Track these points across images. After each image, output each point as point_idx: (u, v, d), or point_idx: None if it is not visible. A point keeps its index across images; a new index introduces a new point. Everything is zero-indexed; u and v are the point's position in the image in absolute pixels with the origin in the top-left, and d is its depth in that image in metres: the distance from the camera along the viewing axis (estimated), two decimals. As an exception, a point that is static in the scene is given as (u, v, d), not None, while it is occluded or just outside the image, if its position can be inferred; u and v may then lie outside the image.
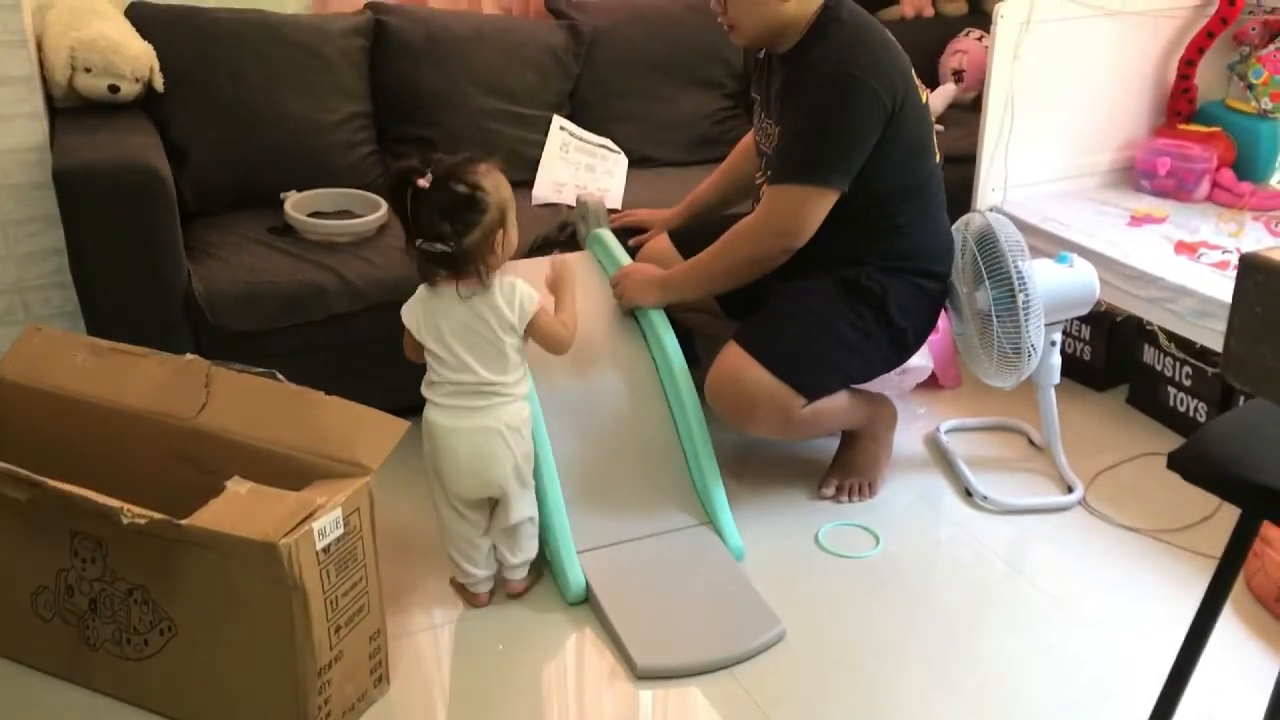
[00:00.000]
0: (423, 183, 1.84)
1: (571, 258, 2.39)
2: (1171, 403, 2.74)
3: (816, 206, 2.19)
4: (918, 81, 2.29)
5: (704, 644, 2.00)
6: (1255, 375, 1.15)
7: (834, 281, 2.29)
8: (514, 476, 2.02)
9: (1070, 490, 2.49)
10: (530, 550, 2.12)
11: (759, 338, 2.25)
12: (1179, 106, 3.19)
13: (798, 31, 2.22)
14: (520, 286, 1.97)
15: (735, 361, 2.24)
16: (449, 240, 1.86)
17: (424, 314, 1.98)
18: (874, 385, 2.72)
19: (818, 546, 2.32)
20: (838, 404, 2.36)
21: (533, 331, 2.00)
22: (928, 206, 2.36)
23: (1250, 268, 1.13)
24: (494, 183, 1.90)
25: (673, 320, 2.41)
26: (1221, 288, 2.46)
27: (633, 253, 2.59)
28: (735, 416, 2.29)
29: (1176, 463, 1.38)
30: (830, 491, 2.47)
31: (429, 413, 2.01)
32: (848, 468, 2.50)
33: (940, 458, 2.66)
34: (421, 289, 1.99)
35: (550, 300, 2.14)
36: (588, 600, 2.12)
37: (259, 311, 2.43)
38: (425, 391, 2.03)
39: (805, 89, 2.20)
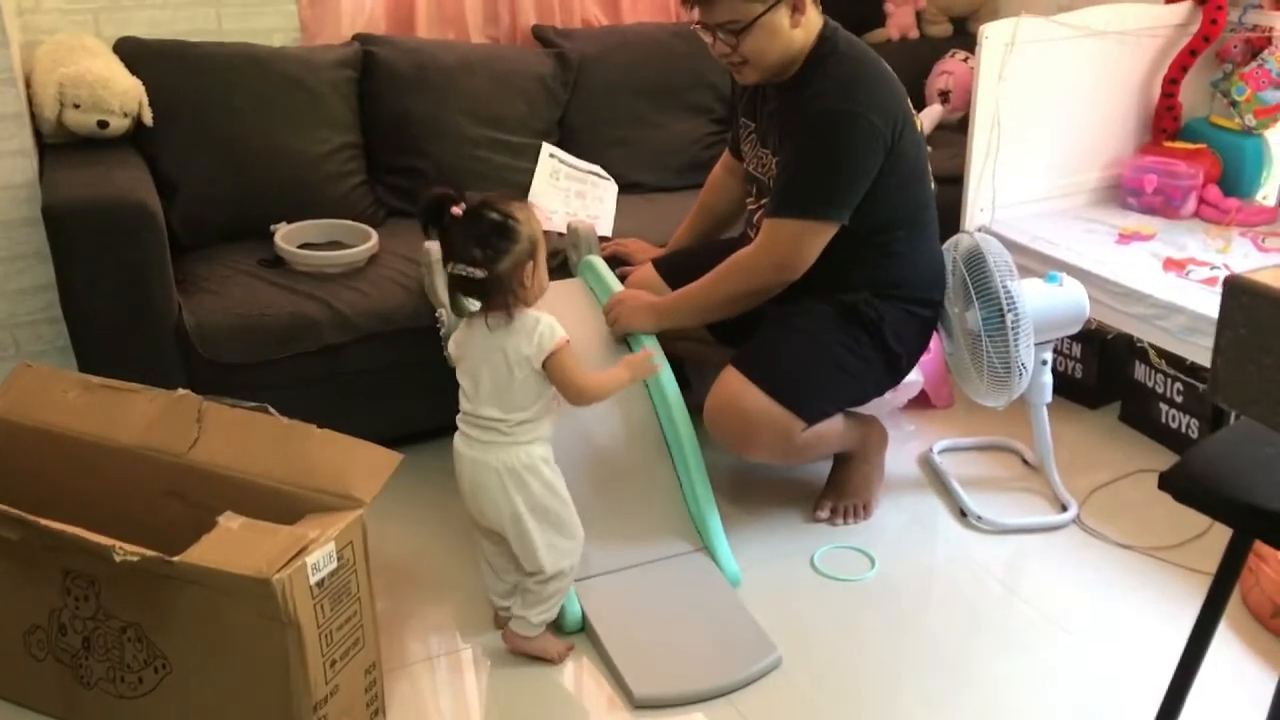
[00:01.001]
0: (457, 210, 1.87)
1: (570, 284, 2.37)
2: (1164, 419, 2.75)
3: (816, 240, 2.20)
4: (911, 109, 2.30)
5: (701, 672, 2.00)
6: (1243, 397, 1.16)
7: (831, 306, 2.30)
8: (511, 522, 1.96)
9: (1064, 509, 2.49)
10: (537, 611, 2.02)
11: (758, 362, 2.25)
12: (1164, 124, 3.21)
13: (799, 61, 2.24)
14: (545, 320, 1.94)
15: (735, 386, 2.24)
16: (480, 266, 1.87)
17: (457, 345, 2.00)
18: (866, 404, 2.73)
19: (813, 570, 2.32)
20: (834, 427, 2.36)
21: (549, 369, 1.94)
22: (923, 233, 2.38)
23: (1235, 290, 1.14)
24: (526, 215, 1.92)
25: (664, 347, 2.41)
26: (1210, 304, 2.47)
27: (620, 281, 2.60)
28: (735, 442, 2.28)
29: (1168, 483, 1.38)
30: (825, 514, 2.47)
31: (456, 435, 2.04)
32: (842, 489, 2.50)
33: (934, 478, 2.66)
34: (461, 321, 2.00)
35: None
36: (584, 629, 2.11)
37: (250, 344, 2.43)
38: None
39: (806, 123, 2.20)
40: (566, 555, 2.01)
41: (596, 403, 2.06)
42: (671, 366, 2.38)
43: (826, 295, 2.29)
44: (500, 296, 1.91)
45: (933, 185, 2.39)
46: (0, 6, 2.43)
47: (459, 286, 1.92)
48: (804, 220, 2.20)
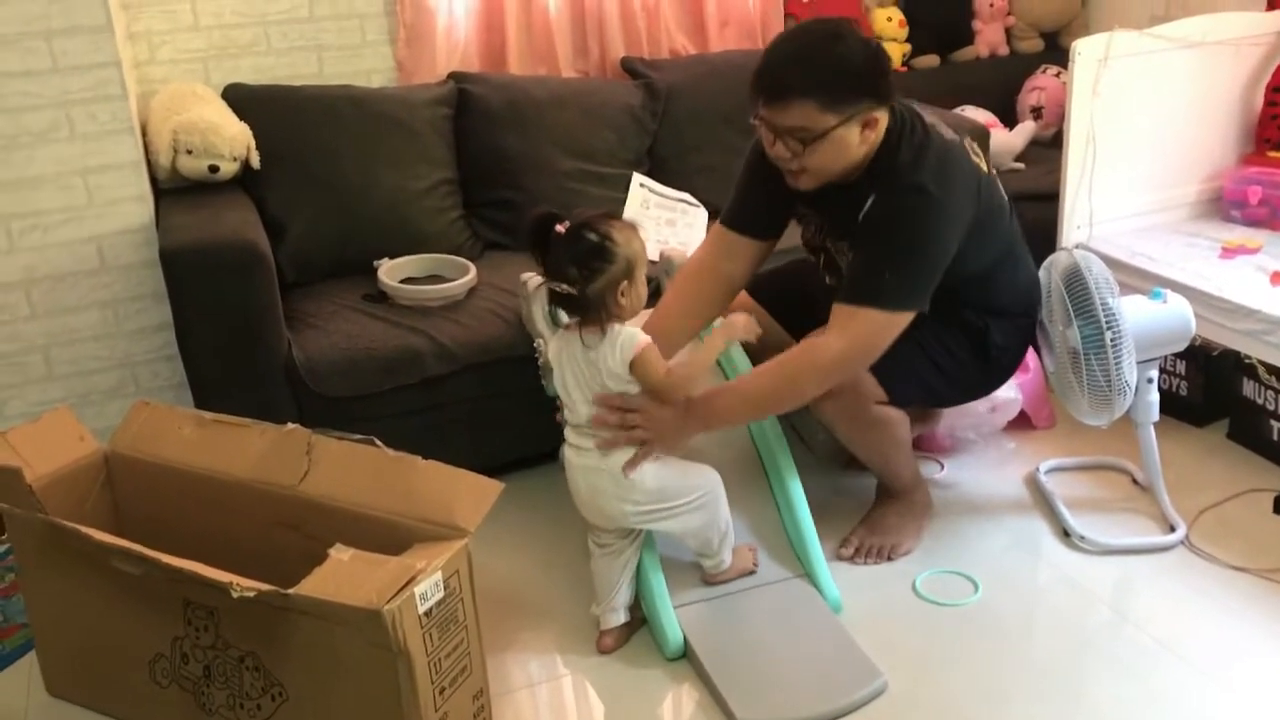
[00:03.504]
0: (560, 228, 1.94)
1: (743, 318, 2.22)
2: (1274, 436, 2.67)
3: (894, 330, 2.12)
4: (981, 158, 2.24)
5: (805, 697, 1.99)
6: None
7: (940, 310, 2.23)
8: (636, 518, 2.08)
9: (1172, 529, 2.44)
10: (714, 561, 2.19)
11: None
12: (1268, 134, 3.13)
13: (862, 165, 2.14)
14: (625, 331, 1.99)
15: None
16: (574, 284, 1.93)
17: (554, 356, 2.08)
18: (966, 420, 2.70)
19: (915, 595, 2.30)
20: (902, 435, 2.34)
21: (636, 375, 2.01)
22: (1016, 260, 2.37)
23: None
24: (626, 237, 1.97)
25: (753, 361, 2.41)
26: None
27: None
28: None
29: (1281, 506, 1.35)
30: (849, 552, 2.42)
31: (564, 446, 2.13)
32: (875, 526, 2.45)
33: (1036, 499, 2.62)
34: (558, 332, 2.09)
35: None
36: (686, 656, 2.12)
37: (357, 377, 2.50)
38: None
39: (890, 218, 2.11)
40: (706, 508, 2.11)
41: (696, 388, 2.09)
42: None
43: (938, 306, 2.22)
44: (594, 314, 1.98)
45: (1008, 206, 2.33)
46: (121, 61, 2.55)
47: (556, 301, 2.00)
48: (886, 311, 2.09)
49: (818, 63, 2.04)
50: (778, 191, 2.25)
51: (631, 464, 2.04)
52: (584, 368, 2.03)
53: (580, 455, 2.07)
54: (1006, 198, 2.34)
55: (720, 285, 2.38)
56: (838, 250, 2.30)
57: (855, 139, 2.08)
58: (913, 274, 2.11)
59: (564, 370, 2.06)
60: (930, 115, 2.24)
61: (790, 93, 2.03)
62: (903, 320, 2.12)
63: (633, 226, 2.02)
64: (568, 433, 2.11)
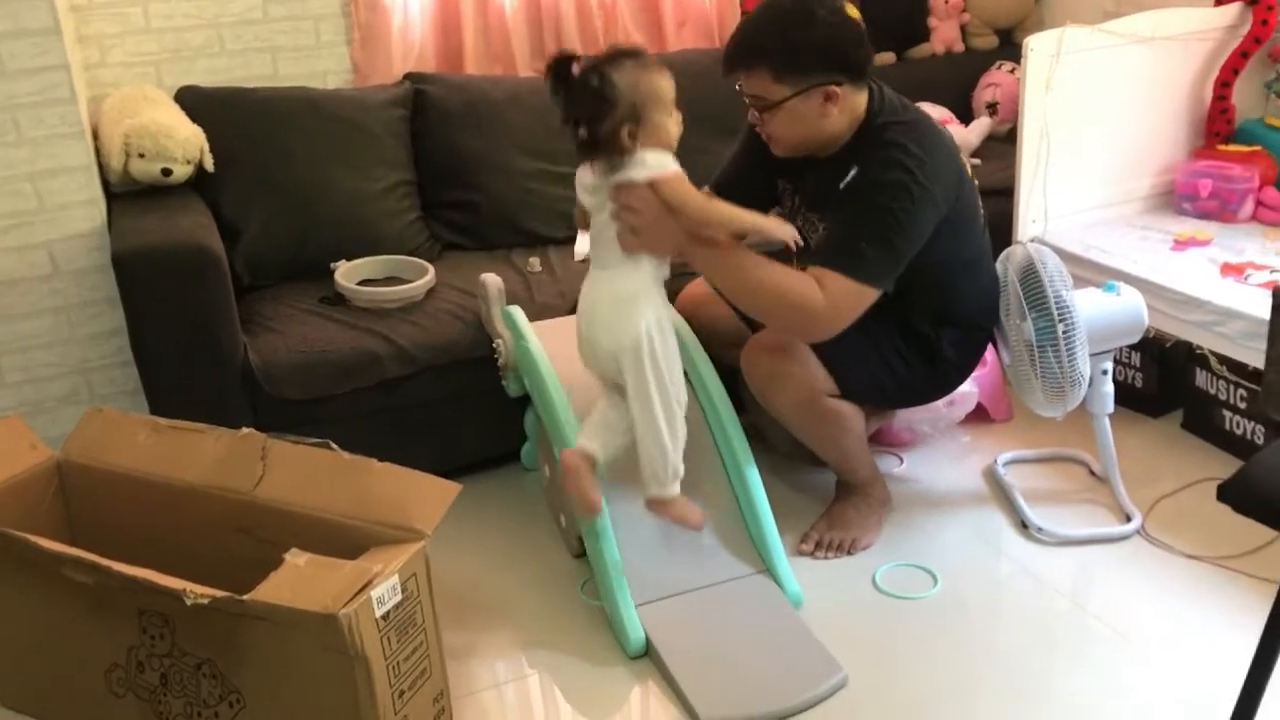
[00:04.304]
0: (576, 69, 1.96)
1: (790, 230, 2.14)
2: (1227, 426, 2.71)
3: (862, 302, 2.14)
4: (964, 162, 2.29)
5: (767, 694, 2.00)
6: (1297, 407, 1.15)
7: (894, 310, 2.28)
8: (623, 355, 2.07)
9: (1128, 520, 2.47)
10: (647, 463, 2.12)
11: None
12: (1217, 127, 3.18)
13: (841, 140, 2.20)
14: (654, 155, 2.00)
15: (783, 337, 2.25)
16: (581, 128, 1.96)
17: (580, 186, 2.10)
18: (923, 414, 2.72)
19: (875, 589, 2.31)
20: (856, 428, 2.36)
21: (662, 195, 2.00)
22: (979, 270, 2.39)
23: (1284, 300, 1.13)
24: (631, 80, 1.95)
25: (717, 364, 2.42)
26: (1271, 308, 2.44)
27: (673, 296, 2.61)
28: (764, 386, 2.29)
29: (1227, 494, 1.37)
30: (810, 547, 2.43)
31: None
32: (835, 521, 2.47)
33: (995, 492, 2.64)
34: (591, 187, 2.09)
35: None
36: (648, 654, 2.13)
37: (314, 380, 2.48)
38: None
39: (872, 193, 2.14)
40: (671, 413, 2.10)
41: (716, 224, 2.06)
42: (726, 388, 2.39)
43: (891, 305, 2.26)
44: (604, 155, 2.00)
45: (982, 217, 2.39)
46: (70, 64, 2.52)
47: (575, 141, 2.01)
48: (858, 283, 2.11)
49: (774, 35, 2.11)
50: (765, 163, 2.31)
51: (622, 239, 2.05)
52: (594, 193, 2.05)
53: (590, 287, 2.12)
54: (981, 209, 2.37)
55: None
56: (808, 223, 2.32)
57: (814, 111, 2.12)
58: (888, 249, 2.12)
59: (595, 220, 2.08)
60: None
61: (744, 62, 2.12)
62: (870, 295, 2.13)
63: (646, 66, 1.98)
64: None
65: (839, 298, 2.11)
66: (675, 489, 2.15)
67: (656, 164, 2.00)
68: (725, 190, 2.36)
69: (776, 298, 2.12)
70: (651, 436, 2.10)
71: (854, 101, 2.16)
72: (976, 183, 2.38)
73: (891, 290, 2.17)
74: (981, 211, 2.38)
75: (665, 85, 2.00)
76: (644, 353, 2.06)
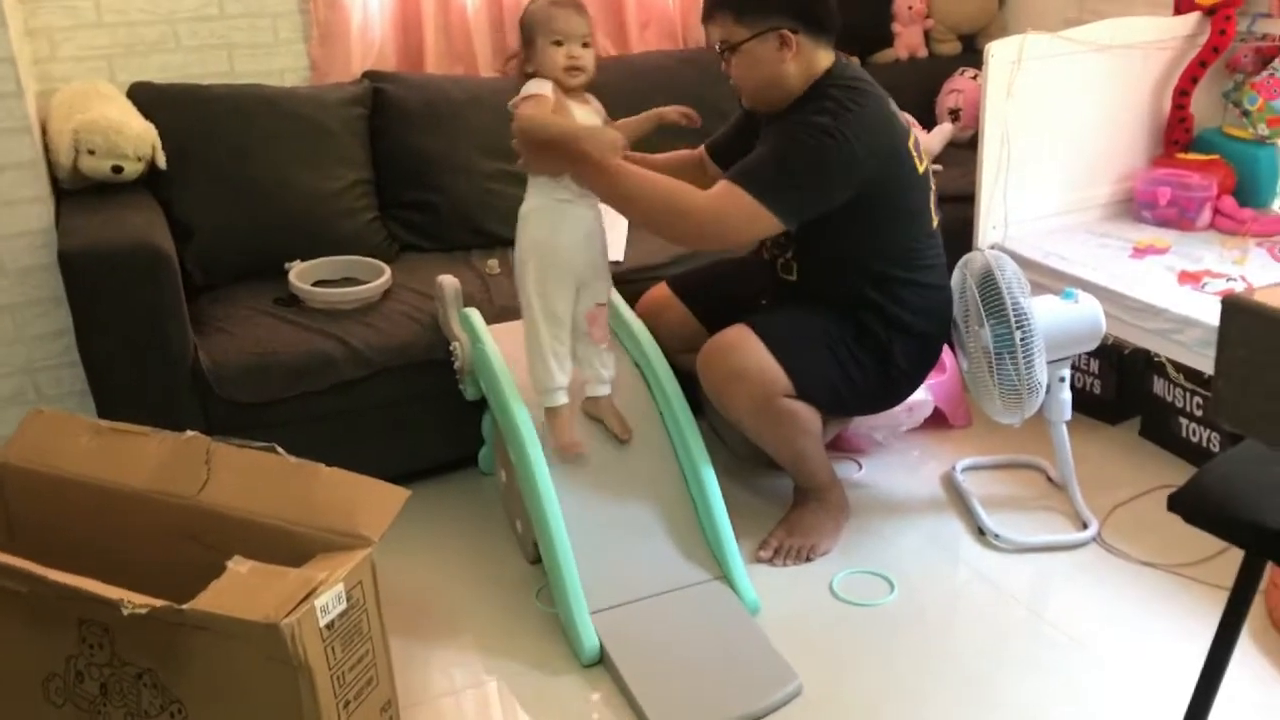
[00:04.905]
0: None
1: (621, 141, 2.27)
2: (1184, 434, 2.72)
3: (756, 224, 2.20)
4: (916, 153, 2.31)
5: (721, 702, 1.98)
6: (1247, 418, 1.14)
7: (851, 319, 2.33)
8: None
9: (1085, 527, 2.47)
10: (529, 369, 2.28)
11: (765, 324, 2.30)
12: (1176, 136, 3.20)
13: (796, 93, 2.27)
14: (533, 82, 2.19)
15: (737, 334, 2.29)
16: None
17: None
18: (881, 419, 2.71)
19: (833, 596, 2.30)
20: (812, 429, 2.35)
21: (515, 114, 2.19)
22: (925, 271, 2.38)
23: (1233, 310, 1.13)
24: (529, 10, 2.19)
25: (674, 367, 2.41)
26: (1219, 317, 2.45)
27: (633, 301, 2.60)
28: (720, 386, 2.30)
29: (1178, 504, 1.37)
30: (768, 554, 2.42)
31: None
32: (794, 527, 2.46)
33: (953, 498, 2.64)
34: None
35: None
36: (602, 662, 2.10)
37: (266, 383, 2.44)
38: None
39: (793, 126, 2.22)
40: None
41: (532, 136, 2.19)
42: (684, 391, 2.38)
43: (845, 309, 2.33)
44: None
45: (934, 223, 2.39)
46: (15, 57, 2.47)
47: None
48: (756, 200, 2.17)
49: None
50: (746, 127, 2.44)
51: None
52: None
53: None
54: (932, 214, 2.38)
55: (686, 173, 2.45)
56: None
57: (771, 56, 2.24)
58: (790, 177, 2.18)
59: None
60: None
61: (713, 5, 2.29)
62: (764, 217, 2.18)
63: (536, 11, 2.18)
64: None
65: (723, 199, 2.19)
66: (552, 399, 2.25)
67: (526, 90, 2.17)
68: (715, 151, 2.58)
69: (654, 199, 2.22)
70: (527, 344, 2.27)
71: (811, 55, 2.26)
72: (933, 185, 2.38)
73: (793, 228, 2.23)
74: (934, 215, 2.38)
75: (552, 13, 2.17)
76: (518, 267, 2.25)
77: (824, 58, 2.27)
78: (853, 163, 2.18)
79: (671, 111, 2.32)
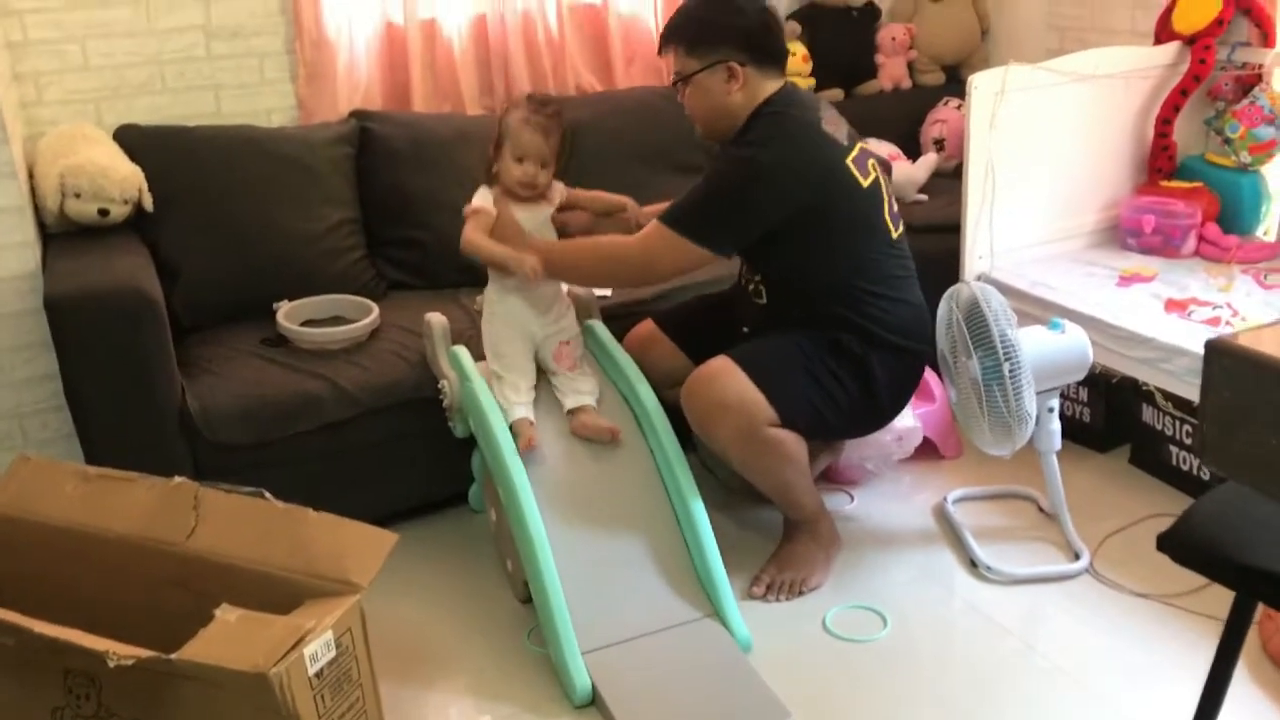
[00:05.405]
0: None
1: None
2: (1174, 461, 2.72)
3: (686, 259, 2.31)
4: (855, 169, 2.32)
5: (713, 741, 1.97)
6: (1231, 462, 1.14)
7: (825, 338, 2.34)
8: None
9: (1077, 557, 2.46)
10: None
11: (746, 354, 2.32)
12: (1160, 164, 3.21)
13: (740, 123, 2.35)
14: (481, 190, 2.42)
15: (719, 365, 2.31)
16: None
17: None
18: (871, 450, 2.71)
19: (825, 632, 2.29)
20: (799, 458, 2.34)
21: None
22: (890, 283, 2.38)
23: (1216, 353, 1.13)
24: (503, 119, 2.40)
25: (663, 402, 2.41)
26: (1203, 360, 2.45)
27: (620, 336, 2.60)
28: (704, 417, 2.31)
29: (1166, 545, 1.37)
30: (760, 590, 2.41)
31: None
32: (785, 562, 2.45)
33: (945, 530, 2.63)
34: None
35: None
36: (594, 703, 2.09)
37: (254, 424, 2.43)
38: None
39: (720, 160, 2.35)
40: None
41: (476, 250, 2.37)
42: (675, 428, 2.37)
43: (818, 328, 2.35)
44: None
45: (894, 235, 2.40)
46: (1, 103, 2.47)
47: None
48: (680, 236, 2.28)
49: (690, 15, 2.39)
50: None
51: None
52: None
53: None
54: (888, 226, 2.38)
55: None
56: None
57: (719, 87, 2.33)
58: (709, 210, 2.30)
59: None
60: (828, 113, 2.39)
61: (669, 37, 2.39)
62: (690, 250, 2.29)
63: (519, 110, 2.37)
64: None
65: (650, 240, 2.32)
66: (513, 414, 2.34)
67: (475, 199, 2.40)
68: None
69: (588, 261, 2.41)
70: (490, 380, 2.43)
71: (757, 86, 2.34)
72: (887, 196, 2.39)
73: (729, 254, 2.35)
74: (891, 227, 2.39)
75: (521, 131, 2.35)
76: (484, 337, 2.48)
77: (769, 87, 2.35)
78: (776, 187, 2.25)
79: (631, 212, 2.56)
